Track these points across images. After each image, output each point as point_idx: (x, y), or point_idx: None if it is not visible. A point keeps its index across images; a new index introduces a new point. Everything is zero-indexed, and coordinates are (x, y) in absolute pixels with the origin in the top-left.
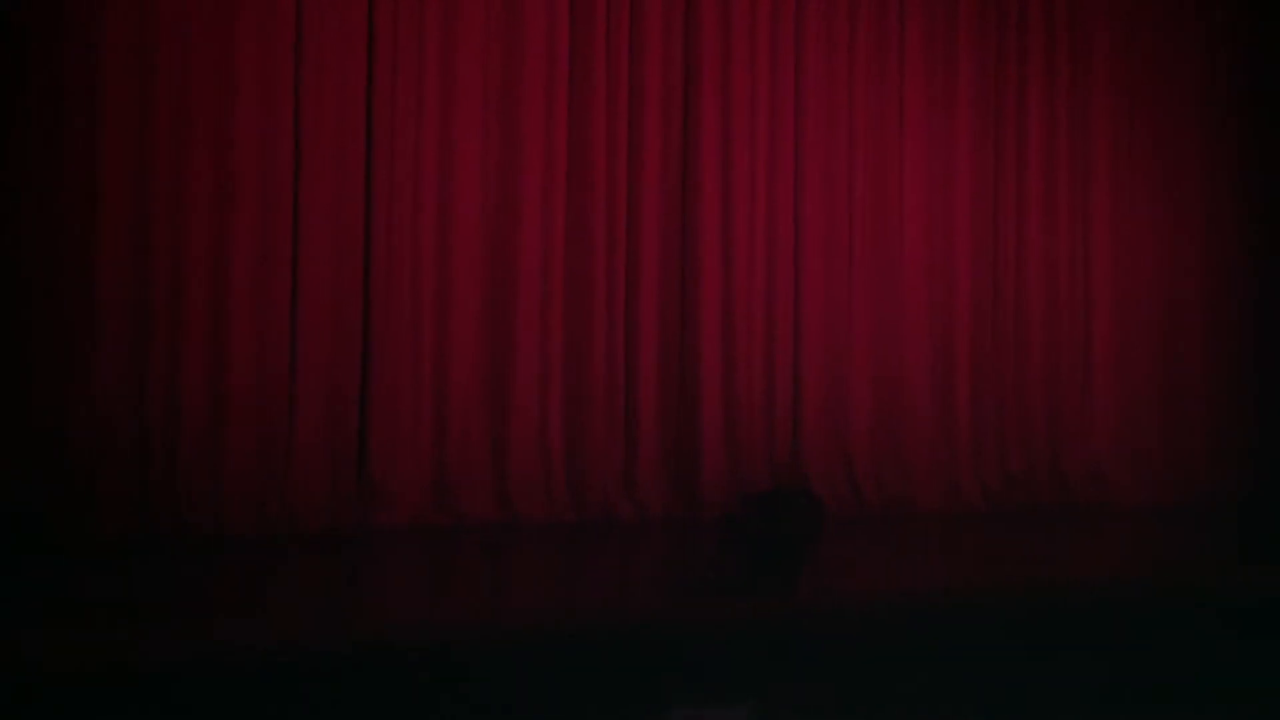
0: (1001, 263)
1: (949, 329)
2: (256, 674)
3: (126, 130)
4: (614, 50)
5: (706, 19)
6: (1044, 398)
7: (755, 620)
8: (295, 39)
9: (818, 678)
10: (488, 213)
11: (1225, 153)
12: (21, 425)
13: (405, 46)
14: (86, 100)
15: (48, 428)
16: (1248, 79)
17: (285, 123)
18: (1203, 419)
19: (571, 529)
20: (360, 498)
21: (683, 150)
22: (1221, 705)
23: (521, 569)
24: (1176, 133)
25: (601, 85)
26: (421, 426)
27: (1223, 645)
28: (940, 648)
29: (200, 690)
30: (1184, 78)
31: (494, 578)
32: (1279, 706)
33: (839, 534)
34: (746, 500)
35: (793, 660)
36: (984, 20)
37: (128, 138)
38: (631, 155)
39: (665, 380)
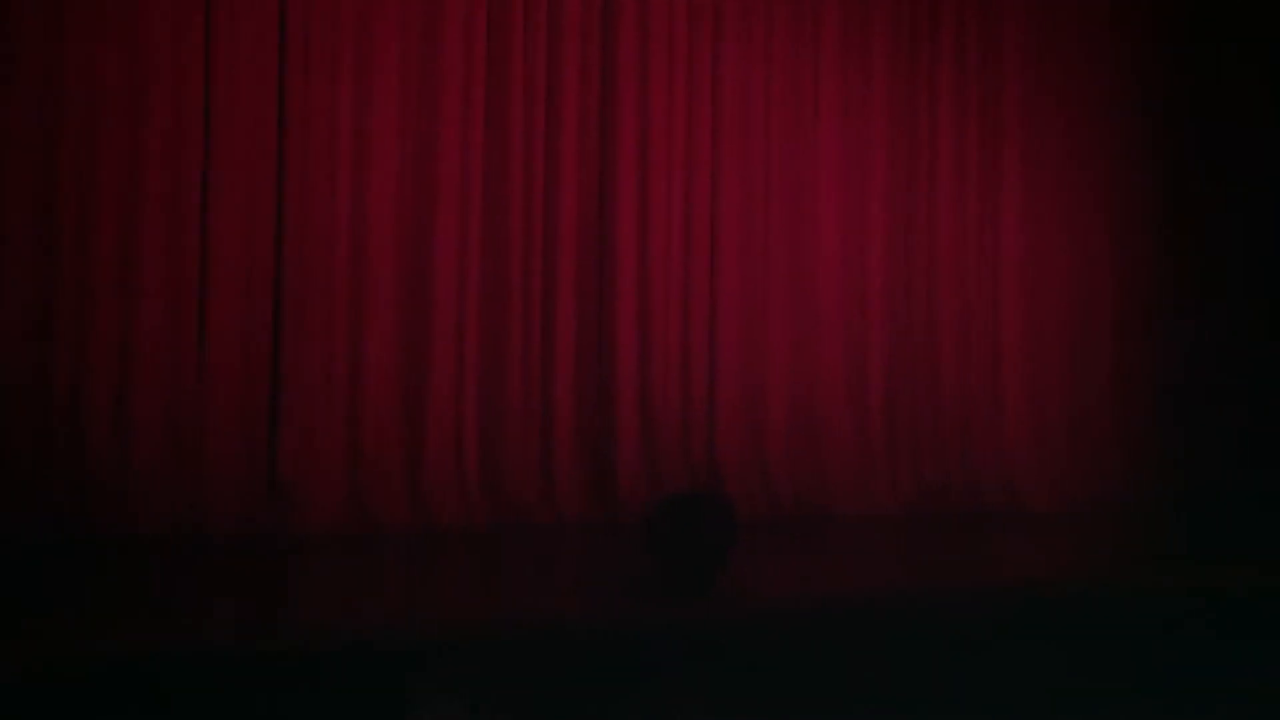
0: (914, 268)
1: (863, 336)
2: (163, 679)
3: (31, 117)
4: (531, 51)
5: (625, 17)
6: (956, 404)
7: (669, 624)
8: (205, 29)
9: (731, 681)
10: (403, 213)
11: (1135, 154)
12: None
13: (318, 44)
14: None
15: None
16: (1159, 76)
17: (195, 120)
18: (1111, 424)
19: (488, 533)
20: (272, 503)
21: (600, 153)
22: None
23: (437, 574)
24: (1087, 135)
25: (519, 85)
26: (334, 431)
27: (1131, 644)
28: (854, 650)
29: (105, 695)
30: (1095, 81)
31: (409, 583)
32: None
33: (753, 538)
34: (660, 504)
35: (706, 664)
36: (897, 23)
37: (32, 124)
38: (548, 159)
39: (581, 383)
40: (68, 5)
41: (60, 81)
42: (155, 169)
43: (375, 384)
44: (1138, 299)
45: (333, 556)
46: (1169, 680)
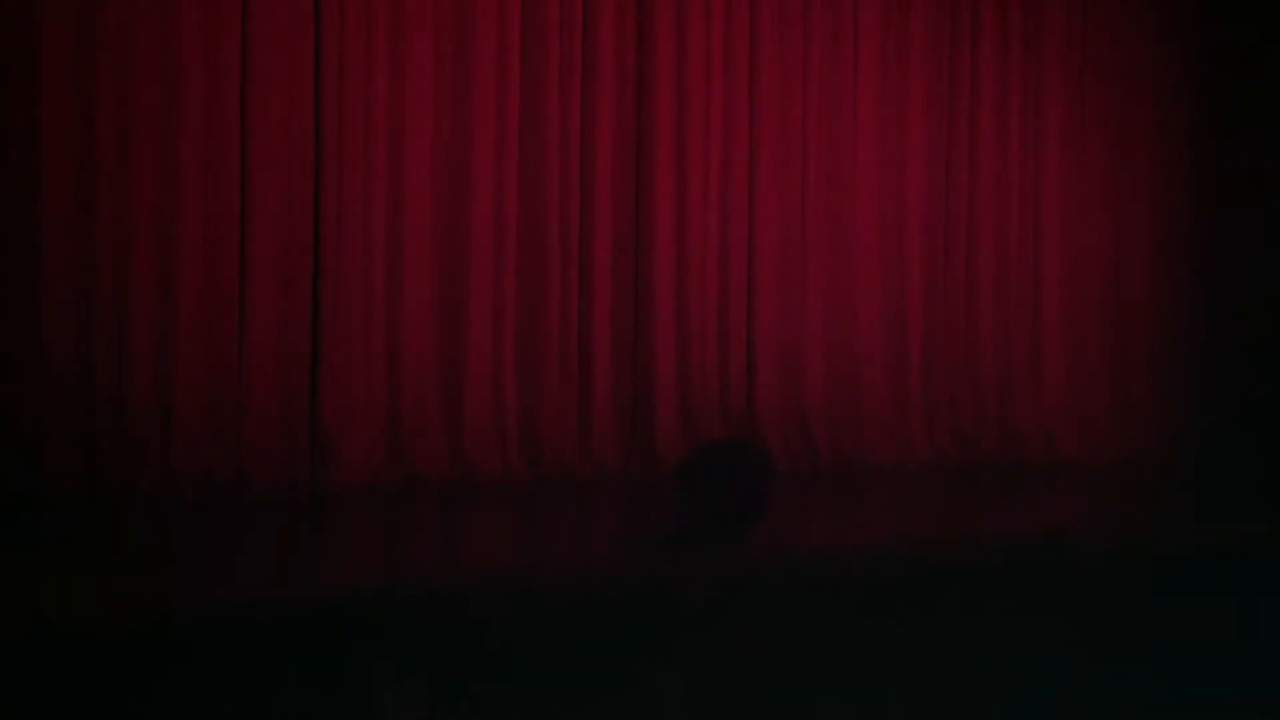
0: (954, 226)
1: (902, 289)
2: (209, 635)
3: (66, 90)
4: (568, 24)
5: None
6: (994, 359)
7: (707, 574)
8: (242, 9)
9: (765, 630)
10: (439, 170)
11: (1177, 119)
12: None
13: (353, 12)
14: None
15: None
16: (1202, 44)
17: (233, 82)
18: (1148, 378)
19: (527, 486)
20: (313, 455)
21: (636, 113)
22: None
23: (477, 527)
24: (1129, 101)
25: (555, 56)
26: (375, 383)
27: (1166, 599)
28: (888, 602)
29: (150, 653)
30: (1138, 48)
31: (449, 536)
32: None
33: (791, 489)
34: (697, 449)
35: (742, 614)
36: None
37: (68, 98)
38: (585, 118)
39: (619, 338)
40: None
41: (93, 78)
42: (195, 107)
43: (414, 338)
44: (1178, 249)
45: (369, 510)
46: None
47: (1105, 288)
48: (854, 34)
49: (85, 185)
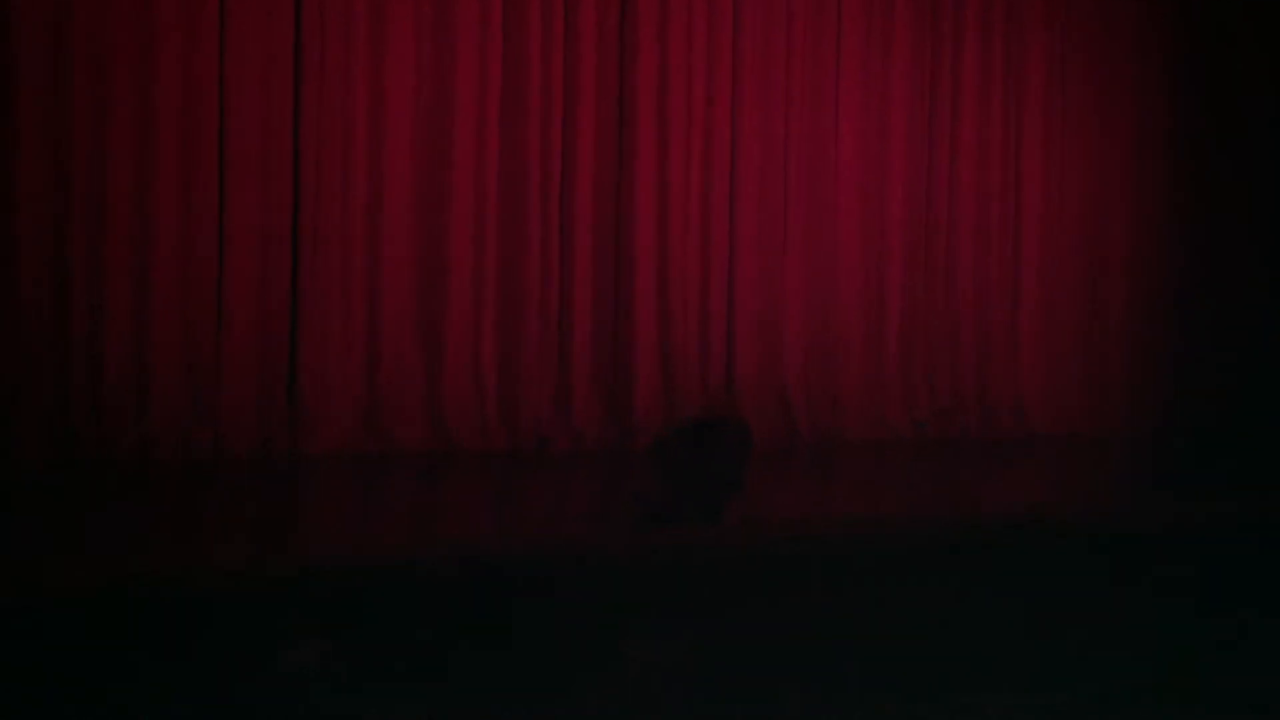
0: (934, 195)
1: (881, 262)
2: (186, 602)
3: (42, 54)
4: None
5: None
6: (972, 333)
7: (683, 549)
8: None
9: (741, 607)
10: (420, 132)
11: (1156, 86)
12: None
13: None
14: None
15: None
16: (1181, 24)
17: (211, 39)
18: (1122, 353)
19: (505, 456)
20: (290, 421)
21: (618, 75)
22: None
23: (454, 497)
24: (1110, 68)
25: (537, 27)
26: (353, 351)
27: (1131, 575)
28: (864, 576)
29: (123, 620)
30: (1120, 11)
31: (426, 506)
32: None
33: (769, 462)
34: (675, 425)
35: (720, 589)
36: None
37: (44, 55)
38: (566, 79)
39: (599, 309)
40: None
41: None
42: (171, 62)
43: (393, 305)
44: (1154, 233)
45: (345, 478)
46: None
47: (1082, 264)
48: (837, 11)
49: (62, 146)
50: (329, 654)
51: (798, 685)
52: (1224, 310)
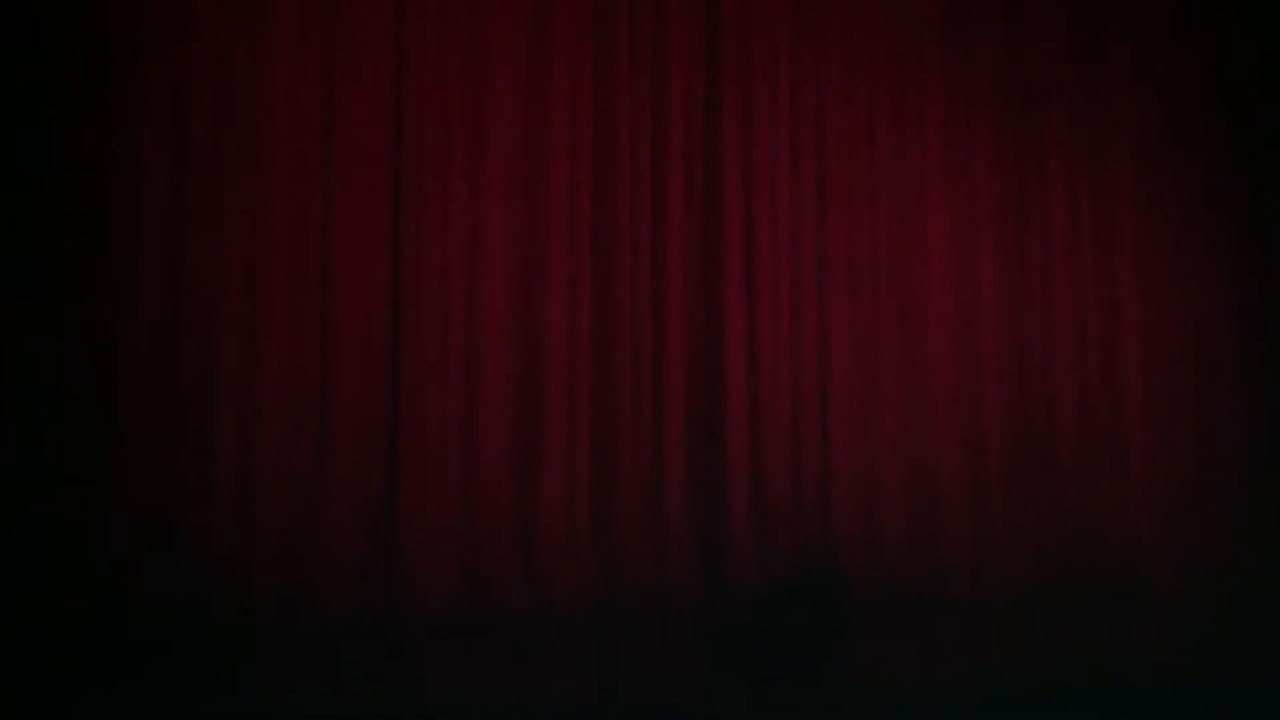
0: (1028, 340)
1: (978, 413)
2: None
3: (158, 227)
4: (637, 139)
5: (729, 108)
6: (1076, 481)
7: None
8: (324, 124)
9: None
10: (515, 302)
11: (1250, 213)
12: (55, 514)
13: (432, 132)
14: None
15: (79, 516)
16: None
17: (314, 215)
18: (1238, 496)
19: (601, 610)
20: (389, 588)
21: (705, 241)
22: None
23: (555, 661)
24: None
25: (626, 176)
26: (450, 517)
27: None
28: None
29: None
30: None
31: (527, 670)
32: None
33: (869, 620)
34: (776, 585)
35: None
36: (1003, 122)
37: (158, 234)
38: (655, 237)
39: (693, 464)
40: (194, 102)
41: (187, 172)
42: (277, 257)
43: (490, 474)
44: (1263, 365)
45: (444, 644)
46: None
47: (1190, 403)
48: (920, 147)
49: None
50: None
51: None
52: None
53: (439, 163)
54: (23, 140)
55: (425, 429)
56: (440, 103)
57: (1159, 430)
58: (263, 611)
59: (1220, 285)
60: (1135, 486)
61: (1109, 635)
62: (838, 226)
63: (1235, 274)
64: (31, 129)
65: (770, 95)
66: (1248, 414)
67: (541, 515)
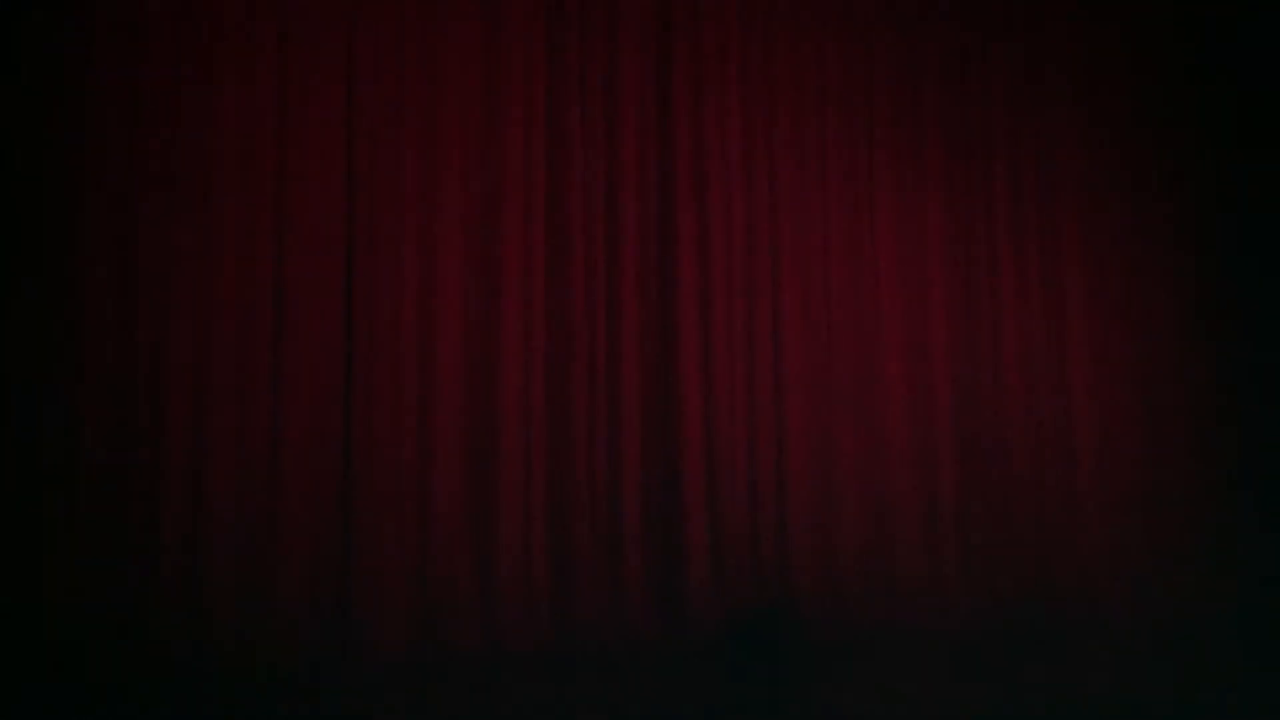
0: (980, 378)
1: (932, 450)
2: None
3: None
4: (591, 220)
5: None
6: (1030, 517)
7: None
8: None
9: None
10: (470, 336)
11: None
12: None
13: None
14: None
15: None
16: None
17: (266, 287)
18: (1189, 523)
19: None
20: (342, 641)
21: (660, 280)
22: None
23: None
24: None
25: (579, 214)
26: (406, 554)
27: None
28: None
29: None
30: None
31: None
32: None
33: (827, 653)
34: (733, 620)
35: None
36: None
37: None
38: (609, 275)
39: (648, 506)
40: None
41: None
42: (228, 311)
43: (444, 506)
44: (1209, 404)
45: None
46: None
47: (1142, 428)
48: (870, 195)
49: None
50: None
51: None
52: None
53: (390, 195)
54: None
55: (381, 476)
56: (395, 129)
57: (1111, 469)
58: (213, 653)
59: (1169, 306)
60: (1089, 523)
61: (1063, 664)
62: (790, 271)
63: (1184, 297)
64: None
65: (720, 124)
66: (1194, 455)
67: (499, 555)
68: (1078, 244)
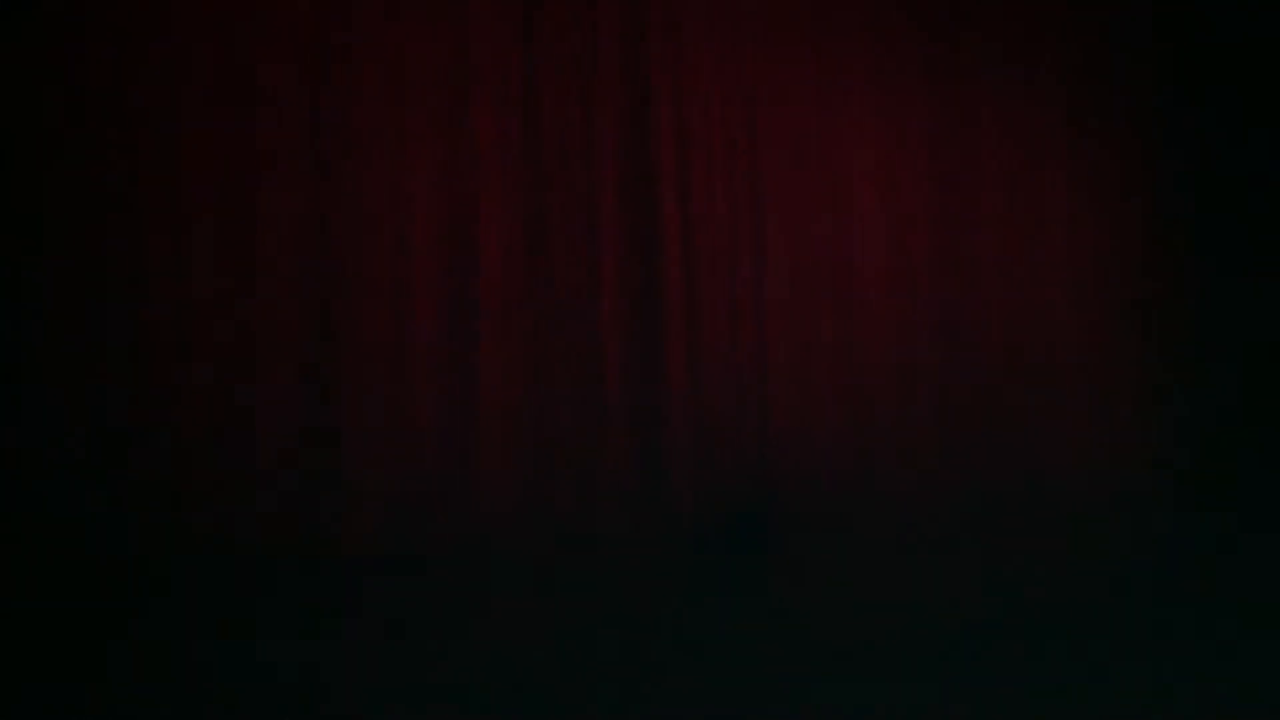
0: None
1: (912, 338)
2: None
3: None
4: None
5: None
6: (1010, 385)
7: (724, 625)
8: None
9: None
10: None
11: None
12: None
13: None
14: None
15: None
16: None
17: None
18: (1163, 390)
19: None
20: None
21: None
22: None
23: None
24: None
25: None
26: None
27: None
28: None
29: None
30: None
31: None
32: None
33: (807, 530)
34: (714, 513)
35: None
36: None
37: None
38: (589, 190)
39: (629, 387)
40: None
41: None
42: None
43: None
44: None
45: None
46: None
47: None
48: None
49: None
50: None
51: None
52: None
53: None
54: None
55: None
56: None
57: (1086, 325)
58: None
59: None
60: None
61: (1042, 536)
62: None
63: (1159, 173)
64: None
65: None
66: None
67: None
68: (1060, 132)
